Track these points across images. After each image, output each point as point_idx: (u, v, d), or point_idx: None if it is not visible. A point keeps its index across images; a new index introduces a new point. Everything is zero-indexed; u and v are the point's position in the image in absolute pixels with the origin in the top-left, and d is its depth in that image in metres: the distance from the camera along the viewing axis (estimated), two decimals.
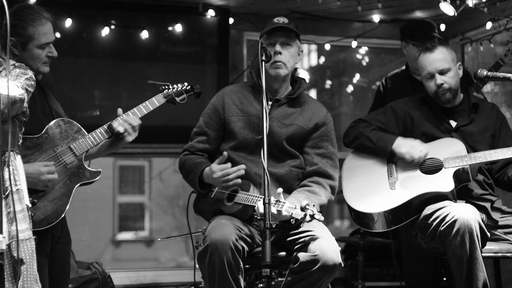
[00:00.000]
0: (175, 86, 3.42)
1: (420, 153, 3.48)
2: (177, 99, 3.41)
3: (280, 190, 3.04)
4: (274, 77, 3.31)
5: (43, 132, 3.07)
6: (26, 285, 2.53)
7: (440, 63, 3.52)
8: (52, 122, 3.11)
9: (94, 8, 5.04)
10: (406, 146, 3.52)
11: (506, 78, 3.54)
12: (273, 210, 2.94)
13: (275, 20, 3.32)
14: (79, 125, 3.17)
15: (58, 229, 3.14)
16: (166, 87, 3.40)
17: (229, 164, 3.19)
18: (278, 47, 3.27)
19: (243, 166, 3.19)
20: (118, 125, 3.19)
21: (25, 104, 2.65)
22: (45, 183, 2.97)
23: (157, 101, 3.34)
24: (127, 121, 3.21)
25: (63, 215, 3.05)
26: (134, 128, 3.22)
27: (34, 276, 2.57)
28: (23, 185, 2.63)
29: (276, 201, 2.99)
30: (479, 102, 3.66)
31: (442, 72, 3.53)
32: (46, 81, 3.26)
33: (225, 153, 3.24)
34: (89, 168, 3.14)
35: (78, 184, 3.11)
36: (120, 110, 3.26)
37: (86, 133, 3.16)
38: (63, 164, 3.08)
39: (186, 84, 3.45)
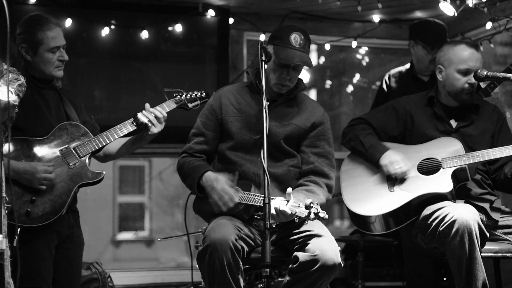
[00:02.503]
0: (190, 92, 3.44)
1: (397, 169, 3.47)
2: (190, 105, 3.44)
3: (290, 190, 3.04)
4: (275, 91, 3.33)
5: (49, 134, 3.14)
6: None
7: (480, 64, 3.52)
8: (60, 125, 3.18)
9: (94, 8, 5.04)
10: (385, 160, 3.50)
11: (506, 78, 3.54)
12: (286, 209, 2.94)
13: (292, 39, 3.24)
14: (86, 128, 3.23)
15: (65, 227, 3.19)
16: (179, 94, 3.42)
17: (232, 190, 3.16)
18: (290, 73, 3.26)
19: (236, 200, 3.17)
20: (142, 116, 3.23)
21: (16, 110, 2.67)
22: (40, 181, 3.03)
23: (167, 106, 3.36)
24: (152, 113, 3.24)
25: (60, 213, 3.08)
26: (159, 119, 3.25)
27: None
28: (3, 192, 2.62)
29: (283, 199, 2.99)
30: (480, 103, 3.65)
31: (477, 73, 3.52)
32: (66, 88, 3.34)
33: (237, 173, 3.22)
34: (91, 169, 3.18)
35: (79, 184, 3.16)
36: (147, 105, 3.29)
37: (92, 136, 3.22)
38: (65, 165, 3.13)
39: (202, 91, 3.47)
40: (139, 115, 3.25)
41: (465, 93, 3.55)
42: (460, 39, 5.45)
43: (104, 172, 3.20)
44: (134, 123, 3.24)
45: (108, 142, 3.23)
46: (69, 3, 4.90)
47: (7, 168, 2.67)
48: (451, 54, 3.57)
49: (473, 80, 3.52)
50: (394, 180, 3.53)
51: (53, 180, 3.07)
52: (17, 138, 3.07)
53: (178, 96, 3.42)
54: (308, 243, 3.03)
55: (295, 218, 2.92)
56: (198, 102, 3.45)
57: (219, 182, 3.16)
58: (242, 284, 3.02)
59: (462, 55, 3.53)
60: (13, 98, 2.61)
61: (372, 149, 3.58)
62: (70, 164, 3.14)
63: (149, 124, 3.23)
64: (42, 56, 3.13)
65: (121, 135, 3.24)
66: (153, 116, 3.24)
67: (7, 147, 2.79)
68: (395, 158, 3.50)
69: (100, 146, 3.21)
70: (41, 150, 3.10)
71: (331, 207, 8.13)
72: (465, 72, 3.53)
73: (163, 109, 3.29)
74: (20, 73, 2.78)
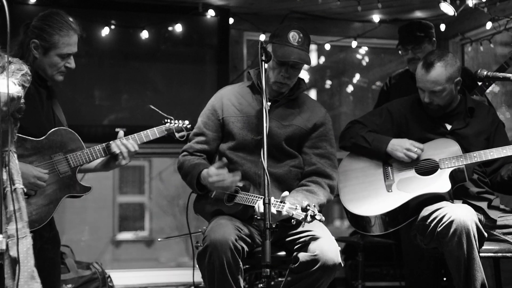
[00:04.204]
0: (176, 122, 3.44)
1: (417, 152, 3.49)
2: (177, 134, 3.43)
3: (286, 193, 3.04)
4: (275, 90, 3.33)
5: (44, 137, 3.09)
6: (20, 283, 2.53)
7: (432, 85, 3.48)
8: (55, 129, 3.13)
9: (94, 8, 5.03)
10: (401, 151, 3.51)
11: (506, 78, 3.54)
12: (273, 210, 2.94)
13: (291, 37, 3.24)
14: (79, 137, 3.20)
15: (47, 229, 3.15)
16: (169, 120, 3.42)
17: (225, 170, 3.18)
18: (289, 71, 3.25)
19: (238, 173, 3.19)
20: (116, 146, 3.22)
21: (22, 100, 2.64)
22: (32, 187, 2.98)
23: (158, 132, 3.37)
24: (125, 145, 3.23)
25: (46, 222, 3.05)
26: (130, 153, 3.24)
27: (29, 273, 2.57)
28: (20, 184, 2.62)
29: (277, 201, 2.99)
30: (475, 106, 3.64)
31: (434, 92, 3.51)
32: (54, 87, 3.29)
33: (224, 159, 3.23)
34: (80, 182, 3.16)
35: (67, 195, 3.12)
36: (121, 132, 3.29)
37: (85, 147, 3.19)
38: (56, 173, 3.09)
39: (187, 122, 3.46)
40: (113, 145, 3.22)
41: (428, 108, 3.57)
42: (459, 39, 5.46)
43: (91, 187, 3.18)
44: (106, 151, 3.22)
45: (97, 158, 3.21)
46: (69, 3, 4.89)
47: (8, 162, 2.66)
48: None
49: (427, 100, 3.52)
50: (392, 180, 3.53)
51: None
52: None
53: (168, 123, 3.42)
54: (309, 243, 3.04)
55: (292, 220, 2.92)
56: (185, 133, 3.45)
57: (211, 177, 3.15)
58: (242, 284, 3.02)
59: (417, 75, 3.57)
60: (17, 89, 2.52)
61: (376, 141, 3.59)
62: (61, 173, 3.10)
63: (119, 157, 3.23)
64: (50, 58, 3.09)
65: (91, 160, 3.19)
66: (125, 148, 3.23)
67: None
68: (406, 144, 3.52)
69: (92, 159, 3.18)
70: (34, 152, 3.05)
71: (331, 207, 8.13)
72: (421, 89, 3.56)
73: (135, 142, 3.27)
74: (23, 62, 2.69)
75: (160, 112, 3.41)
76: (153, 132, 3.35)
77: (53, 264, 3.22)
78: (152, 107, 3.43)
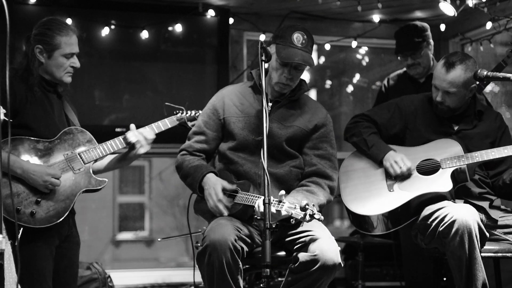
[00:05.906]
0: (189, 111, 3.52)
1: (400, 169, 3.48)
2: (189, 123, 3.51)
3: (283, 192, 3.04)
4: (277, 91, 3.33)
5: (56, 137, 3.18)
6: None
7: (448, 86, 3.48)
8: (66, 129, 3.23)
9: (94, 8, 5.04)
10: (389, 161, 3.52)
11: (506, 78, 3.54)
12: (272, 209, 2.94)
13: (295, 38, 3.23)
14: (91, 134, 3.28)
15: (65, 227, 3.23)
16: (180, 111, 3.49)
17: (227, 200, 3.17)
18: (291, 73, 3.25)
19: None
20: (133, 135, 3.29)
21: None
22: (46, 185, 3.06)
23: (169, 122, 3.44)
24: (141, 133, 3.31)
25: (64, 217, 3.12)
26: (147, 140, 3.32)
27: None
28: None
29: (276, 200, 2.98)
30: (484, 110, 3.65)
31: (447, 93, 3.51)
32: (67, 93, 3.38)
33: (236, 186, 3.24)
34: (95, 176, 3.23)
35: (83, 190, 3.20)
36: (133, 125, 3.36)
37: (97, 143, 3.27)
38: (70, 169, 3.17)
39: (200, 112, 3.51)
40: (129, 134, 3.29)
41: (438, 107, 3.57)
42: (459, 39, 5.46)
43: (106, 180, 3.25)
44: (124, 141, 3.29)
45: (113, 151, 3.27)
46: (69, 3, 4.90)
47: (7, 164, 2.67)
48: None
49: (439, 98, 3.51)
50: (394, 180, 3.53)
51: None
52: (25, 138, 3.10)
53: (180, 114, 3.49)
54: (308, 244, 3.03)
55: (292, 220, 2.92)
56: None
57: (217, 195, 3.17)
58: (241, 284, 3.02)
59: (435, 72, 3.56)
60: None
61: (375, 148, 3.59)
62: (75, 169, 3.18)
63: (137, 145, 3.29)
64: (56, 60, 3.17)
65: (105, 154, 3.26)
66: (142, 136, 3.30)
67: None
68: (397, 158, 3.51)
69: (105, 154, 3.25)
70: (47, 153, 3.14)
71: (331, 207, 8.14)
72: (435, 87, 3.55)
73: (152, 130, 3.34)
74: None
75: (172, 105, 3.47)
76: (165, 123, 3.43)
77: (70, 263, 3.29)
78: (167, 103, 3.47)
